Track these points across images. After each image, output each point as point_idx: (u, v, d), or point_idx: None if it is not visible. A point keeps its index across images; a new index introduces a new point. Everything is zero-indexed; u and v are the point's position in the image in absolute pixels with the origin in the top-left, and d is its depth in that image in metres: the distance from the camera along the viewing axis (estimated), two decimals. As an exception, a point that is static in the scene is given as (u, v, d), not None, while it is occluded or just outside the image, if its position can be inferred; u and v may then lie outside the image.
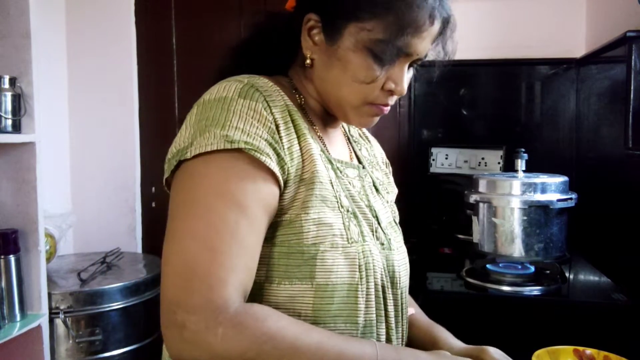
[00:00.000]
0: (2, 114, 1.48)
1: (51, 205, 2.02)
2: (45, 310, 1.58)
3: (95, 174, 2.28)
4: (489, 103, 2.17)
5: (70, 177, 2.29)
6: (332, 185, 0.74)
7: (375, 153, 0.98)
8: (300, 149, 0.72)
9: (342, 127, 0.93)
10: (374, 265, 0.74)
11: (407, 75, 0.76)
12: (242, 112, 0.67)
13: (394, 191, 0.98)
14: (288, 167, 0.69)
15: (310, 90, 0.81)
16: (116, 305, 1.73)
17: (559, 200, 1.51)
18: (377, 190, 0.87)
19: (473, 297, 1.47)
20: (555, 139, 2.09)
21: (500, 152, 2.03)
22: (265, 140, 0.67)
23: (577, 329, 1.28)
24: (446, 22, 0.75)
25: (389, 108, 0.78)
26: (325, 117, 0.83)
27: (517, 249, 1.54)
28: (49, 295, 1.61)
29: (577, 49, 2.02)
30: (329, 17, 0.74)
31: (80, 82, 2.26)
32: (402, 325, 0.82)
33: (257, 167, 0.66)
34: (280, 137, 0.69)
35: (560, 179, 1.55)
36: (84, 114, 2.27)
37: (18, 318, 1.51)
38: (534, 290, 1.46)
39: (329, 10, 0.73)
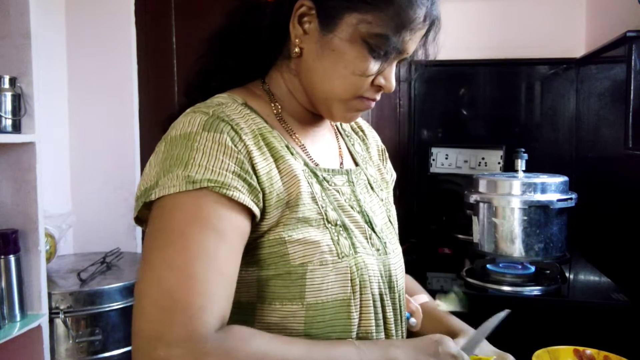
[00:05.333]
0: (2, 114, 1.48)
1: (51, 205, 2.01)
2: (45, 310, 1.57)
3: (95, 174, 2.28)
4: (489, 103, 2.17)
5: (70, 177, 2.29)
6: (317, 202, 0.72)
7: (369, 145, 0.95)
8: (280, 171, 0.70)
9: (332, 122, 0.90)
10: (369, 276, 0.73)
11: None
12: (206, 146, 0.65)
13: (390, 181, 0.96)
14: (266, 194, 0.67)
15: (293, 87, 0.78)
16: (116, 305, 1.73)
17: (559, 200, 1.51)
18: (372, 188, 0.85)
19: (473, 297, 1.47)
20: (555, 139, 2.09)
21: (500, 152, 2.03)
22: (233, 172, 0.65)
23: (577, 329, 1.28)
24: (432, 24, 0.74)
25: (372, 105, 0.77)
26: (308, 119, 0.81)
27: (517, 249, 1.54)
28: (49, 295, 1.61)
29: (577, 49, 2.03)
30: (325, 5, 0.71)
31: (80, 82, 2.26)
32: (402, 327, 0.82)
33: (225, 202, 0.64)
34: (253, 164, 0.67)
35: (560, 179, 1.55)
36: (84, 114, 2.27)
37: (18, 318, 1.51)
38: (534, 290, 1.46)
39: None
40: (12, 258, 1.49)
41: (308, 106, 0.79)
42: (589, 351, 0.90)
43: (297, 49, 0.74)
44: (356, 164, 0.87)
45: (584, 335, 1.05)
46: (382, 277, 0.76)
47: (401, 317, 0.81)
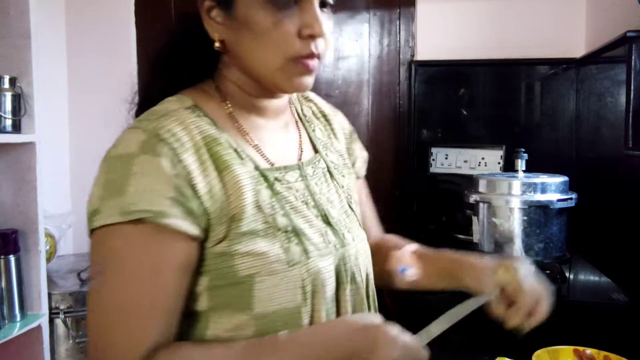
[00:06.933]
0: (2, 114, 1.48)
1: (51, 205, 2.01)
2: (45, 310, 1.58)
3: (95, 174, 2.28)
4: (489, 103, 2.17)
5: (70, 177, 2.29)
6: (264, 211, 0.70)
7: (334, 129, 0.92)
8: (224, 184, 0.68)
9: (295, 108, 0.88)
10: (322, 280, 0.72)
11: (324, 18, 0.72)
12: (143, 171, 0.64)
13: (361, 164, 0.95)
14: (210, 212, 0.67)
15: (238, 80, 0.76)
16: (116, 305, 1.73)
17: (559, 200, 1.51)
18: (331, 175, 0.84)
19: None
20: (555, 139, 2.09)
21: (500, 152, 2.03)
22: (170, 198, 0.64)
23: (577, 329, 1.28)
24: None
25: (316, 62, 0.72)
26: (263, 111, 0.79)
27: (517, 249, 1.54)
28: (49, 295, 1.61)
29: (577, 49, 2.02)
30: None
31: (80, 82, 2.26)
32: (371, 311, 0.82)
33: (162, 230, 0.64)
34: (193, 185, 0.66)
35: (560, 179, 1.55)
36: (84, 114, 2.27)
37: (18, 318, 1.51)
38: (534, 290, 1.46)
39: None
40: (12, 258, 1.49)
41: (260, 94, 0.77)
42: (589, 351, 0.90)
43: (217, 44, 0.73)
44: (316, 151, 0.85)
45: (584, 335, 1.05)
46: (340, 273, 0.76)
47: (369, 302, 0.81)
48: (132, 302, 0.64)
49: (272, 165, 0.76)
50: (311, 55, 0.71)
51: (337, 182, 0.84)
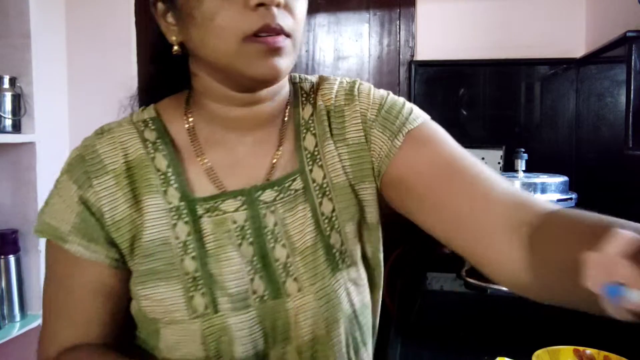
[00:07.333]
0: (2, 114, 1.48)
1: (51, 205, 2.02)
2: (45, 310, 1.58)
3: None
4: (489, 103, 2.17)
5: (70, 177, 2.29)
6: (172, 250, 0.63)
7: (332, 129, 0.72)
8: (141, 214, 0.64)
9: (295, 113, 0.73)
10: (231, 339, 0.62)
11: None
12: (60, 191, 0.66)
13: (382, 145, 0.74)
14: (119, 243, 0.64)
15: (207, 86, 0.67)
16: (116, 305, 1.73)
17: (559, 200, 1.51)
18: (305, 199, 0.68)
19: (473, 297, 1.47)
20: (555, 139, 2.09)
21: (500, 152, 2.03)
22: (72, 224, 0.64)
23: (577, 329, 1.28)
24: None
25: (282, 39, 0.60)
26: (232, 122, 0.69)
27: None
28: (49, 295, 1.61)
29: (577, 49, 2.02)
30: None
31: (80, 82, 2.26)
32: None
33: (66, 252, 0.65)
34: (101, 214, 0.63)
35: (560, 179, 1.55)
36: (84, 114, 2.27)
37: (18, 318, 1.51)
38: (534, 290, 1.46)
39: None
40: (12, 258, 1.49)
41: (237, 100, 0.67)
42: (589, 351, 0.90)
43: (175, 47, 0.66)
44: (299, 169, 0.69)
45: (584, 335, 1.05)
46: (267, 330, 0.64)
47: None
48: (51, 308, 0.67)
49: (223, 190, 0.66)
50: (268, 28, 0.59)
51: (315, 207, 0.68)
